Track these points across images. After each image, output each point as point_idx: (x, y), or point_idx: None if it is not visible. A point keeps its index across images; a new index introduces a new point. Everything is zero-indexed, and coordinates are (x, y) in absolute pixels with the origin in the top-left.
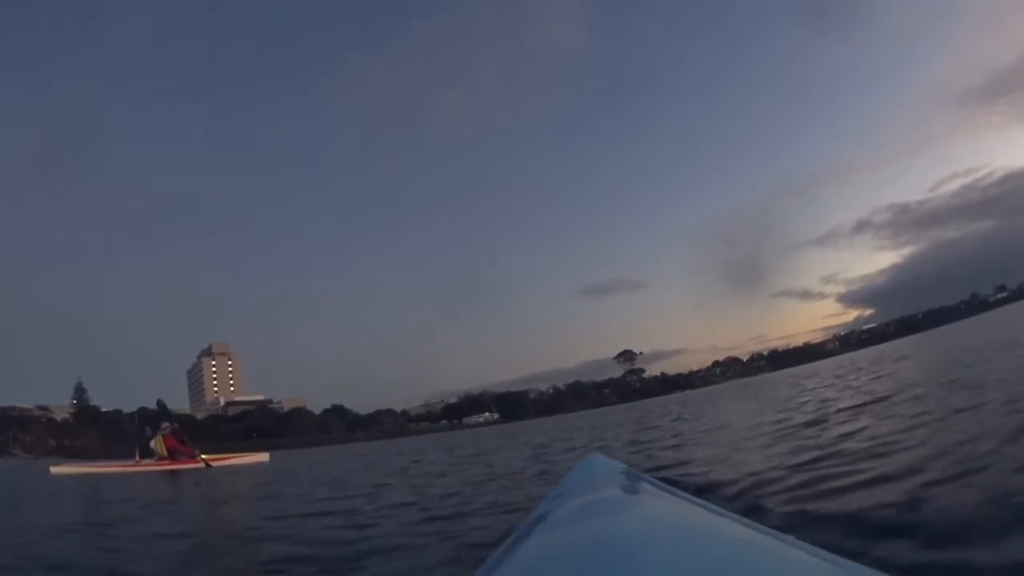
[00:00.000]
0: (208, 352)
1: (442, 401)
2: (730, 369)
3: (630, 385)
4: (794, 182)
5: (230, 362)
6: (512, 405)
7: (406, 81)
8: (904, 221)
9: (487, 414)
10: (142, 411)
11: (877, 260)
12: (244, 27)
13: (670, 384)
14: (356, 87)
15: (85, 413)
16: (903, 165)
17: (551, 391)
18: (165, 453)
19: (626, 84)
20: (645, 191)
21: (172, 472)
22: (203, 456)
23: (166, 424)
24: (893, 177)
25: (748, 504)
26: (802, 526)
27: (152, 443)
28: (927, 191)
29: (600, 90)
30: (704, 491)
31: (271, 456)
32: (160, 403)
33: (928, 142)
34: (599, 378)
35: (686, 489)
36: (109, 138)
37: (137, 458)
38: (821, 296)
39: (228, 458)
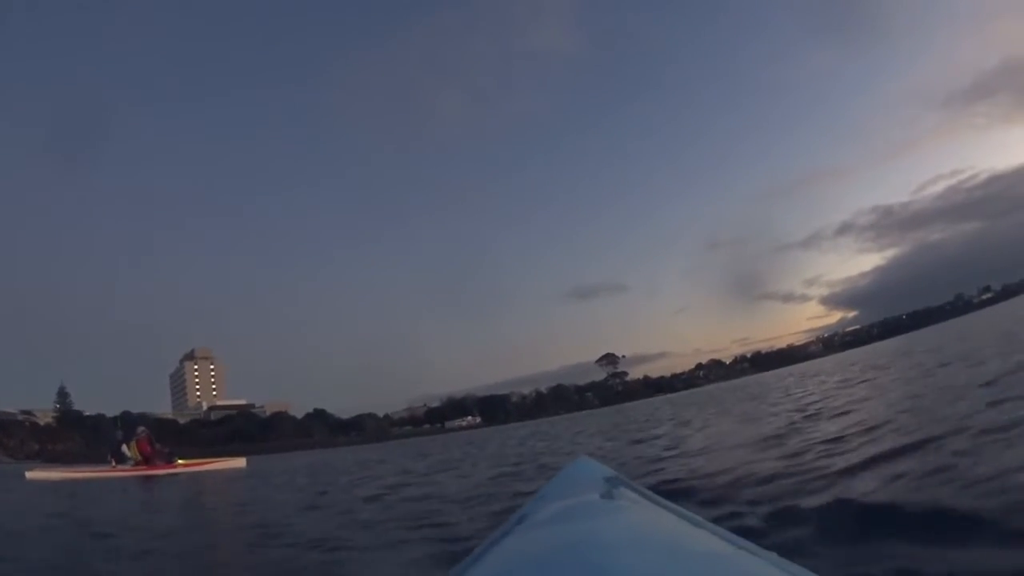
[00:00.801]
0: (191, 357)
1: (425, 405)
2: (713, 372)
3: (612, 388)
4: (778, 185)
5: (212, 367)
6: (494, 409)
7: (398, 80)
8: (888, 223)
9: (469, 418)
10: (125, 415)
11: (860, 262)
12: (237, 25)
13: (653, 387)
14: (348, 86)
15: (68, 418)
16: (887, 167)
17: (533, 395)
18: (140, 458)
19: (614, 87)
20: (629, 194)
21: (146, 478)
22: (180, 461)
23: (141, 428)
24: (877, 179)
25: (736, 517)
26: (791, 542)
27: (124, 448)
28: (911, 193)
29: (589, 93)
30: (693, 501)
31: (248, 461)
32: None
33: (912, 144)
34: (581, 381)
35: (674, 498)
36: (94, 141)
37: (112, 463)
38: (804, 298)
39: (204, 463)
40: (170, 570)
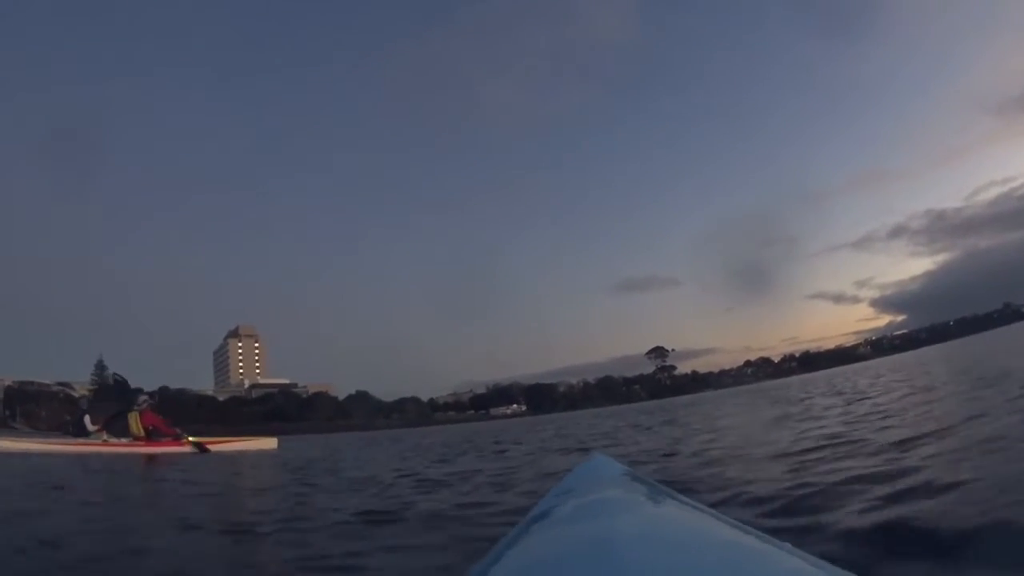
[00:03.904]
0: (235, 334)
1: (471, 391)
2: (761, 370)
3: (660, 382)
4: (832, 185)
5: (256, 344)
6: (540, 398)
7: (447, 68)
8: (940, 228)
9: (515, 406)
10: (162, 390)
11: (911, 266)
12: (281, 9)
13: (701, 382)
14: (396, 72)
15: (104, 390)
16: (941, 171)
17: (580, 385)
18: (142, 433)
19: (666, 80)
20: (682, 188)
21: (149, 457)
22: (190, 439)
23: (144, 398)
24: (931, 183)
25: (752, 511)
26: (805, 536)
27: (86, 420)
28: (964, 199)
29: (640, 85)
30: (708, 497)
31: (281, 442)
32: (117, 377)
33: (966, 150)
34: (630, 373)
35: (689, 494)
36: (139, 113)
37: (105, 436)
38: (855, 300)
39: (226, 442)
40: None
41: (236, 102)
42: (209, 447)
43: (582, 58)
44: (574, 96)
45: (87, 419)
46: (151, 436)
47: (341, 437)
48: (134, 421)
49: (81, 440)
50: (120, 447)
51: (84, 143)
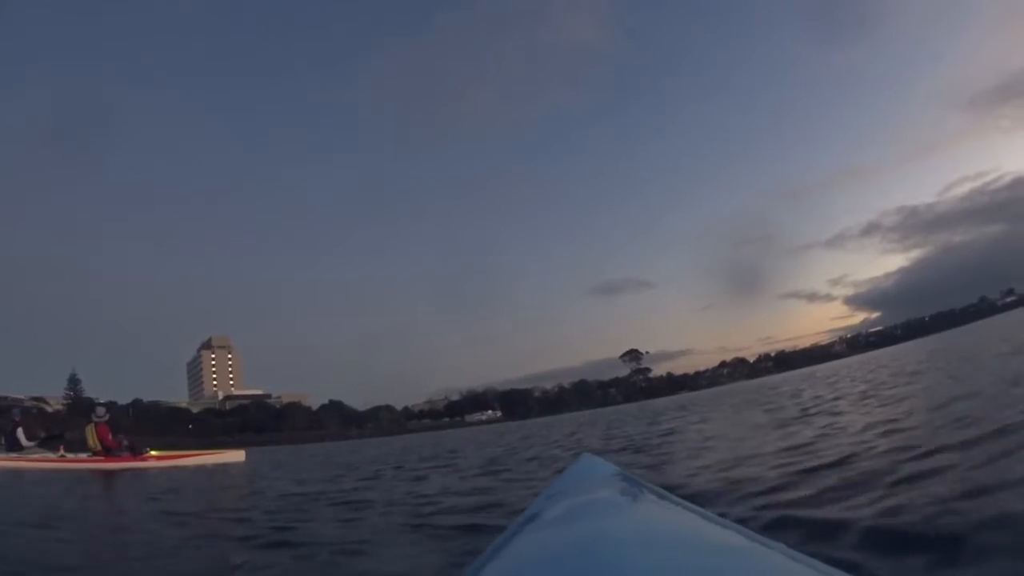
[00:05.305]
0: (208, 345)
1: (445, 398)
2: (737, 370)
3: (636, 385)
4: (804, 183)
5: (230, 355)
6: (515, 403)
7: (427, 73)
8: (913, 224)
9: (490, 412)
10: (136, 403)
11: (885, 263)
12: (266, 12)
13: (676, 384)
14: (377, 78)
15: (78, 405)
16: (913, 167)
17: (555, 390)
18: (99, 447)
19: (641, 82)
20: (655, 190)
21: (106, 473)
22: (153, 452)
23: (102, 409)
24: (903, 179)
25: (743, 511)
26: (797, 535)
27: (19, 433)
28: (936, 194)
29: (615, 87)
30: (698, 496)
31: (249, 454)
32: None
33: (938, 145)
34: (605, 377)
35: (680, 494)
36: (109, 125)
37: (61, 451)
38: (829, 298)
39: (187, 456)
40: None
41: (213, 107)
42: (164, 461)
43: (554, 63)
44: (547, 101)
45: (20, 432)
46: (108, 451)
47: (304, 449)
48: (91, 435)
49: (13, 455)
50: (75, 463)
51: (54, 156)
